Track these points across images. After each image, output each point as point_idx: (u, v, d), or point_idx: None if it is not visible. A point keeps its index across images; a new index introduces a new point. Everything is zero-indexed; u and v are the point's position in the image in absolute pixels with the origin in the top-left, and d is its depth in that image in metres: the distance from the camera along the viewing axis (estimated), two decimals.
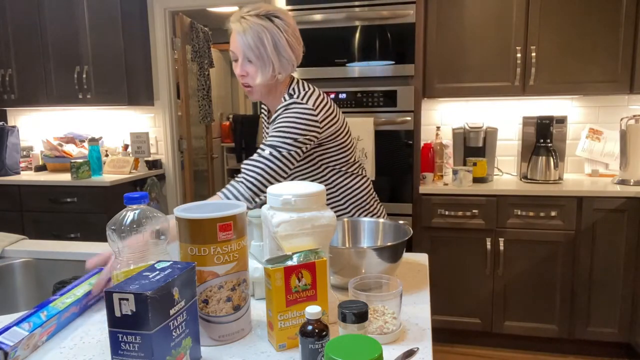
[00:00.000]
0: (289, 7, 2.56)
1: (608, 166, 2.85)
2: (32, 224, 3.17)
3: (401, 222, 1.24)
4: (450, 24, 2.70)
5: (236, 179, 1.30)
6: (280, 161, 1.30)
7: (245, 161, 1.34)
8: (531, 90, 2.65)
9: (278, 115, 1.35)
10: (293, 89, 1.41)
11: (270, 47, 1.30)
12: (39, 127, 3.87)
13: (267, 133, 1.53)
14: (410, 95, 2.51)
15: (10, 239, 1.56)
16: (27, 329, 0.82)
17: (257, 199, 1.30)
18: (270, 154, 1.30)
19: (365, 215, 1.53)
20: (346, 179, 1.49)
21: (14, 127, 3.36)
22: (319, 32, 2.55)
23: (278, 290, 0.81)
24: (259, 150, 1.33)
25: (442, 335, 2.75)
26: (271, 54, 1.31)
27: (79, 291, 0.98)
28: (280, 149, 1.30)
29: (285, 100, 1.37)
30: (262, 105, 1.61)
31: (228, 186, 1.29)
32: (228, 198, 1.25)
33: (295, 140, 1.31)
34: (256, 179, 1.28)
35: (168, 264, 0.78)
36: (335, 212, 1.51)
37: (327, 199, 1.51)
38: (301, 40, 1.40)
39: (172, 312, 0.72)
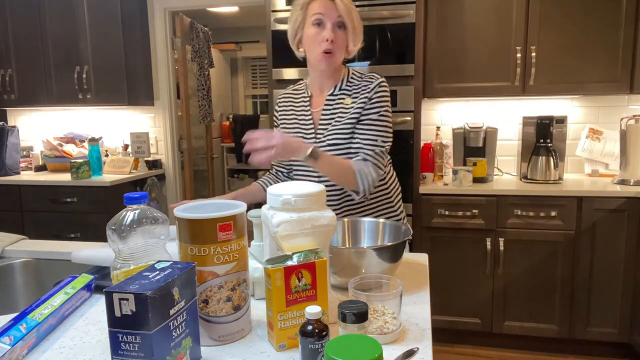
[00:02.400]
0: (289, 7, 2.56)
1: (608, 166, 2.85)
2: (32, 224, 3.17)
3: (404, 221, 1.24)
4: (450, 24, 2.70)
5: (368, 163, 1.36)
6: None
7: (366, 137, 1.38)
8: (531, 90, 2.65)
9: (373, 96, 1.38)
10: (357, 73, 1.46)
11: (357, 19, 1.37)
12: (39, 127, 3.87)
13: (301, 117, 1.50)
14: (410, 95, 2.51)
15: (10, 239, 1.56)
16: (9, 343, 0.80)
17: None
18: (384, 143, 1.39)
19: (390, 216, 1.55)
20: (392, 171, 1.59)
21: (14, 127, 3.36)
22: None
23: (278, 290, 0.81)
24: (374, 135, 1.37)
25: (442, 335, 2.74)
26: (357, 27, 1.37)
27: (56, 301, 0.95)
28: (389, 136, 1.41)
29: (368, 80, 1.40)
30: (294, 90, 1.57)
31: (362, 165, 1.35)
32: (360, 174, 1.34)
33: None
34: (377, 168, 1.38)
35: (168, 264, 0.78)
36: (384, 206, 1.52)
37: (381, 194, 1.52)
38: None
39: (172, 312, 0.72)
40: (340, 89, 1.43)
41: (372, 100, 1.38)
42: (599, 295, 2.47)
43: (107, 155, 3.51)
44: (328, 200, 1.44)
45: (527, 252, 2.52)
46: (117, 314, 0.68)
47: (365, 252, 1.05)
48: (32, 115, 3.88)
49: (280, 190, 0.91)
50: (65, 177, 3.14)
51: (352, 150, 1.40)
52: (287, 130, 1.53)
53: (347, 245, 1.28)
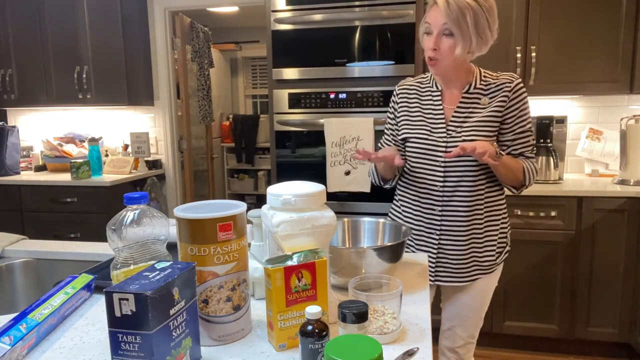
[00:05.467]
0: (289, 7, 2.56)
1: (608, 166, 2.85)
2: (32, 224, 3.17)
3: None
4: None
5: (530, 160, 1.48)
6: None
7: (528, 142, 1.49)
8: (531, 90, 2.65)
9: (516, 96, 1.44)
10: (490, 72, 1.52)
11: (471, 24, 1.35)
12: (39, 127, 3.87)
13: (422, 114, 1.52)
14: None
15: (10, 239, 1.56)
16: (9, 343, 0.80)
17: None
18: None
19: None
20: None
21: (14, 127, 3.36)
22: (319, 32, 2.55)
23: (278, 290, 0.81)
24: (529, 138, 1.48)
25: None
26: (471, 31, 1.36)
27: (56, 301, 0.95)
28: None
29: (506, 79, 1.47)
30: (418, 82, 1.58)
31: (530, 165, 1.47)
32: (529, 171, 1.46)
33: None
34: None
35: (168, 264, 0.78)
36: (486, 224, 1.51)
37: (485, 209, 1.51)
38: (497, 22, 1.44)
39: (172, 312, 0.72)
40: (475, 87, 1.47)
41: (515, 99, 1.44)
42: (599, 295, 2.47)
43: (107, 155, 3.51)
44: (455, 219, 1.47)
45: (527, 252, 2.52)
46: (117, 314, 0.68)
47: (365, 252, 1.05)
48: (32, 115, 3.88)
49: (280, 190, 0.91)
50: (65, 177, 3.14)
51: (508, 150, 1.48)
52: (409, 122, 1.53)
53: (347, 245, 1.29)
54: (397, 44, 2.48)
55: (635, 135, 2.52)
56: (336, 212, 1.59)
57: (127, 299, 0.67)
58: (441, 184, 1.45)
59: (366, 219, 1.29)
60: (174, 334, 0.72)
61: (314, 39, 2.56)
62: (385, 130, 1.64)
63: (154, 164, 3.59)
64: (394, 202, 1.63)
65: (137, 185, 3.37)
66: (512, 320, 2.59)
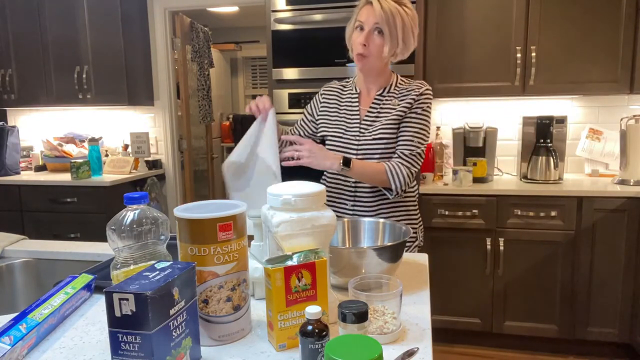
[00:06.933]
0: (289, 7, 2.56)
1: (608, 166, 2.85)
2: (32, 224, 3.17)
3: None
4: (450, 24, 2.70)
5: (400, 162, 1.47)
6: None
7: (407, 144, 1.49)
8: (531, 90, 2.65)
9: (420, 102, 1.50)
10: (405, 80, 1.58)
11: (400, 28, 1.43)
12: (39, 127, 3.87)
13: (342, 111, 1.60)
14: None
15: (10, 239, 1.56)
16: (9, 343, 0.80)
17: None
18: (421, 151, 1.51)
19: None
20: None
21: (14, 127, 3.36)
22: (319, 32, 2.55)
23: (278, 290, 0.81)
24: (414, 142, 1.49)
25: (442, 335, 2.74)
26: (399, 34, 1.44)
27: (56, 301, 0.95)
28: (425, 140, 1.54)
29: (417, 85, 1.53)
30: (341, 85, 1.66)
31: (394, 165, 1.46)
32: (392, 172, 1.46)
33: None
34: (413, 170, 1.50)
35: (168, 264, 0.78)
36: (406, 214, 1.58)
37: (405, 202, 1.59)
38: (418, 31, 1.51)
39: (172, 312, 0.72)
40: (388, 92, 1.54)
41: (418, 102, 1.50)
42: (599, 295, 2.47)
43: (107, 155, 3.51)
44: (363, 200, 1.54)
45: (527, 252, 2.52)
46: (117, 314, 0.68)
47: (365, 252, 1.05)
48: (32, 115, 3.88)
49: (280, 190, 0.91)
50: (65, 177, 3.14)
51: (394, 147, 1.51)
52: (328, 121, 1.62)
53: (347, 245, 1.28)
54: None
55: (635, 135, 2.52)
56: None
57: (127, 299, 0.67)
58: (353, 179, 1.54)
59: (366, 219, 1.29)
60: (174, 334, 0.72)
61: (314, 39, 2.56)
62: (298, 122, 1.72)
63: (154, 164, 3.59)
64: None
65: (137, 185, 3.37)
66: (512, 320, 2.59)
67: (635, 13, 2.50)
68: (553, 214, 2.45)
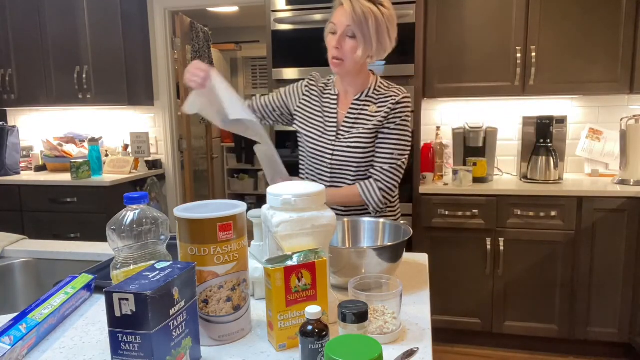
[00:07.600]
0: (289, 7, 2.56)
1: (608, 166, 2.85)
2: (32, 224, 3.17)
3: (401, 222, 1.25)
4: (450, 24, 2.70)
5: (377, 179, 1.45)
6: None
7: (383, 156, 1.46)
8: (531, 90, 2.65)
9: (396, 111, 1.46)
10: (384, 83, 1.54)
11: (373, 29, 1.39)
12: (39, 127, 3.87)
13: (314, 111, 1.57)
14: (410, 95, 2.50)
15: (10, 239, 1.56)
16: (9, 343, 0.80)
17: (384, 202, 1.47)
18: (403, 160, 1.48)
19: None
20: None
21: (14, 127, 3.36)
22: (319, 32, 2.54)
23: (278, 290, 0.81)
24: (393, 155, 1.46)
25: (442, 335, 2.74)
26: (372, 36, 1.40)
27: (56, 301, 0.95)
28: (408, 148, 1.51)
29: (394, 92, 1.48)
30: (323, 84, 1.62)
31: (367, 186, 1.45)
32: (364, 192, 1.45)
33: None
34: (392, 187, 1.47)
35: (168, 264, 0.78)
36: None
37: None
38: (397, 33, 1.48)
39: (172, 312, 0.72)
40: (366, 95, 1.50)
41: (395, 111, 1.46)
42: (599, 295, 2.47)
43: (107, 155, 3.51)
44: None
45: (527, 252, 2.52)
46: (117, 314, 0.68)
47: (365, 252, 1.05)
48: (32, 115, 3.88)
49: (280, 190, 0.91)
50: (65, 177, 3.14)
51: (372, 157, 1.49)
52: (305, 119, 1.58)
53: (347, 245, 1.28)
54: (397, 44, 2.48)
55: (635, 135, 2.52)
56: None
57: (127, 299, 0.67)
58: (328, 184, 1.53)
59: (366, 219, 1.29)
60: (174, 334, 0.72)
61: (314, 39, 2.55)
62: (268, 96, 1.67)
63: (154, 164, 3.59)
64: None
65: (137, 185, 3.36)
66: (512, 320, 2.59)
67: (635, 13, 2.50)
68: (553, 214, 2.45)
